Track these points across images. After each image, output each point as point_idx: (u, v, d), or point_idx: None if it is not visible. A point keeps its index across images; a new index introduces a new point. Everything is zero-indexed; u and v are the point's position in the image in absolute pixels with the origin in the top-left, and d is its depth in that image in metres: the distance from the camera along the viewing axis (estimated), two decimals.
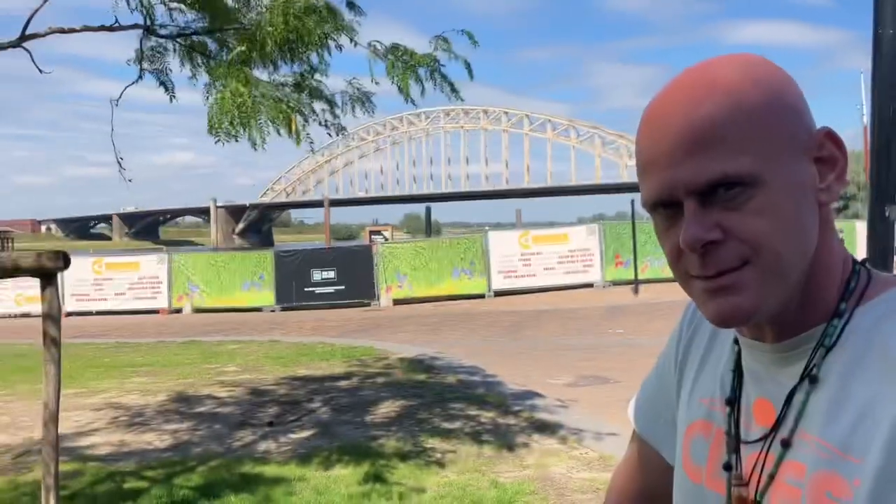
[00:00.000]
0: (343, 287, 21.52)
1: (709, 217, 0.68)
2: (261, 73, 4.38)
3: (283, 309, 21.43)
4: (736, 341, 0.80)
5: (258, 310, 21.42)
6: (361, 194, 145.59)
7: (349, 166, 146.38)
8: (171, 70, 4.81)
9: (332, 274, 21.58)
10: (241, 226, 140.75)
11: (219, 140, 3.85)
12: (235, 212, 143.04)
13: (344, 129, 4.73)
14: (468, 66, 4.30)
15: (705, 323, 0.86)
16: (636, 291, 19.36)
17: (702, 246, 0.68)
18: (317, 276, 21.60)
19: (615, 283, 21.41)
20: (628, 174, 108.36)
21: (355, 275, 21.45)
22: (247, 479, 5.37)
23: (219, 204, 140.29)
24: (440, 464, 5.53)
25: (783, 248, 0.68)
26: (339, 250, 23.51)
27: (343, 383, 8.99)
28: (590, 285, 21.40)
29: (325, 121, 4.48)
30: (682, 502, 0.85)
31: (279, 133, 4.05)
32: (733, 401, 0.79)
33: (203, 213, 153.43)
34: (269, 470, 5.57)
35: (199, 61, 4.64)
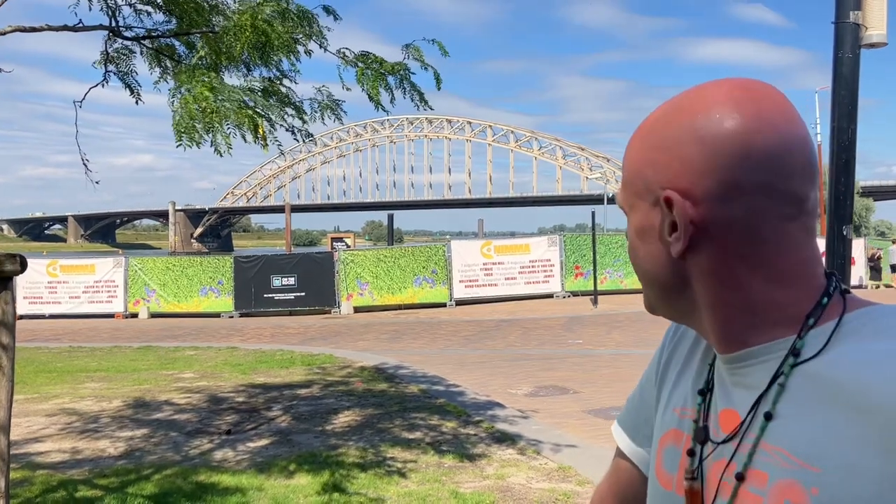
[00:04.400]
0: (303, 294, 21.39)
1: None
2: (230, 78, 4.35)
3: (242, 315, 21.23)
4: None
5: (216, 315, 21.18)
6: (323, 201, 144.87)
7: (312, 172, 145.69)
8: (136, 72, 4.75)
9: (292, 280, 21.44)
10: (199, 230, 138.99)
11: (181, 144, 3.81)
12: (194, 216, 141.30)
13: (311, 135, 4.70)
14: (437, 75, 4.32)
15: (686, 338, 0.92)
16: (595, 303, 19.55)
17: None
18: (277, 282, 21.44)
19: (575, 294, 21.63)
20: (588, 186, 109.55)
21: (316, 281, 21.34)
22: (203, 488, 5.29)
23: (178, 207, 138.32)
24: (400, 473, 5.51)
25: (636, 272, 0.84)
26: (299, 257, 23.33)
27: (303, 391, 8.91)
28: (550, 296, 21.59)
29: (293, 126, 4.45)
30: None
31: (244, 139, 4.02)
32: (705, 392, 0.83)
33: (161, 216, 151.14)
34: (226, 479, 5.49)
35: (168, 64, 4.58)
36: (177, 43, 4.83)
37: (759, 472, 0.72)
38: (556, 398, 8.46)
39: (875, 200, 60.48)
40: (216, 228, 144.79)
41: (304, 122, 4.49)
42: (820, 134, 34.12)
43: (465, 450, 6.11)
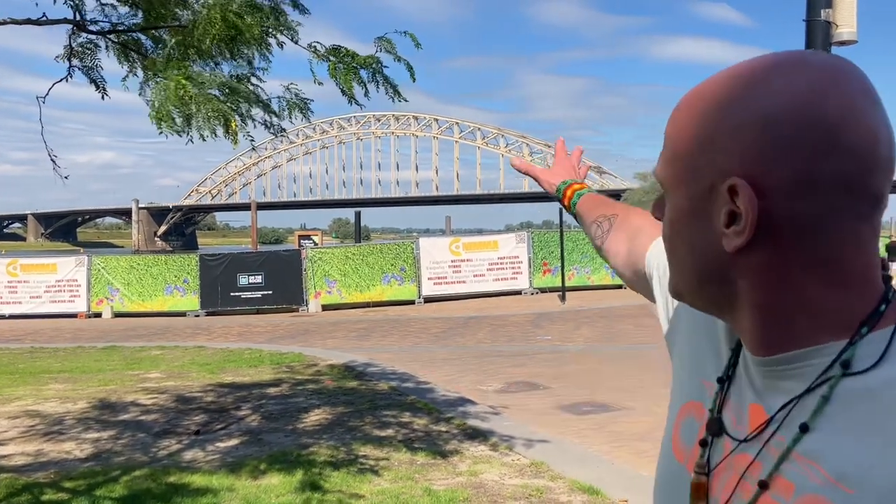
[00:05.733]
0: (270, 292, 21.21)
1: (663, 200, 0.78)
2: (199, 72, 4.27)
3: (208, 314, 20.99)
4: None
5: (182, 314, 20.92)
6: (290, 198, 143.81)
7: (278, 169, 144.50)
8: (102, 67, 4.66)
9: (259, 279, 21.24)
10: (163, 228, 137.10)
11: (162, 132, 3.75)
12: (158, 214, 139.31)
13: (283, 130, 4.65)
14: (410, 68, 4.29)
15: None
16: (563, 299, 19.67)
17: (655, 217, 0.80)
18: (243, 280, 21.24)
19: (543, 291, 21.75)
20: None
21: (283, 280, 21.17)
22: (173, 489, 5.22)
23: (141, 205, 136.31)
24: (373, 472, 5.49)
25: (669, 257, 0.78)
26: (266, 255, 23.12)
27: (272, 390, 8.84)
28: (518, 292, 21.67)
29: (265, 121, 4.39)
30: (664, 479, 0.84)
31: (214, 134, 3.96)
32: (723, 380, 0.78)
33: (124, 214, 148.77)
34: (197, 479, 5.43)
35: (134, 59, 4.49)
36: (143, 37, 4.74)
37: (786, 481, 0.67)
38: (526, 394, 8.50)
39: None
40: (180, 226, 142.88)
41: (277, 116, 4.44)
42: None
43: (438, 447, 6.11)
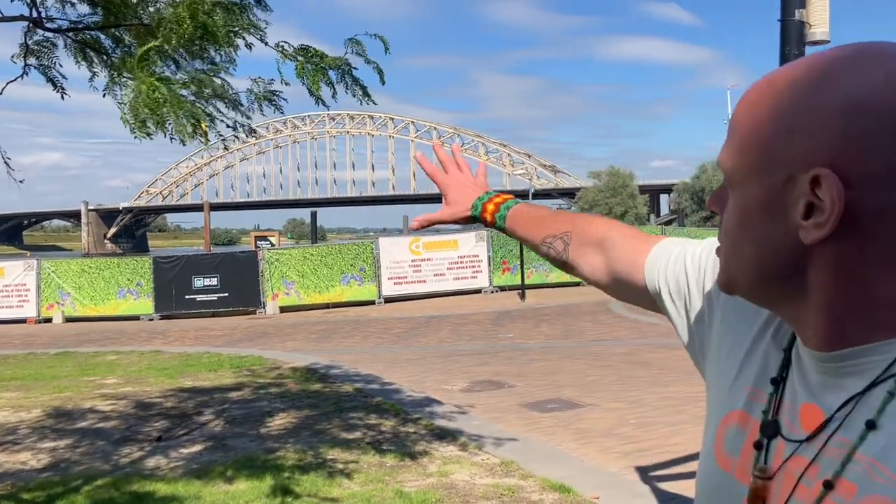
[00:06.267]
0: (227, 294, 20.93)
1: (723, 192, 0.75)
2: (162, 72, 4.17)
3: (163, 317, 20.62)
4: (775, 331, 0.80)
5: (136, 318, 20.52)
6: (243, 198, 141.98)
7: (230, 169, 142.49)
8: (62, 66, 4.51)
9: (214, 281, 20.95)
10: (113, 230, 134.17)
11: (136, 136, 3.65)
12: (108, 216, 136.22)
13: (254, 131, 4.58)
14: (380, 71, 4.25)
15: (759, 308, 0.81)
16: (523, 297, 19.78)
17: (710, 210, 0.78)
18: (199, 282, 20.92)
19: (502, 289, 21.86)
20: (511, 182, 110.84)
21: (240, 281, 20.91)
22: (137, 498, 5.10)
23: (90, 207, 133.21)
24: (343, 474, 5.43)
25: (728, 250, 0.74)
26: (222, 256, 22.81)
27: (234, 394, 8.71)
28: (478, 291, 21.75)
29: (235, 122, 4.31)
30: (708, 489, 0.82)
31: (186, 136, 3.86)
32: (778, 381, 0.76)
33: (73, 216, 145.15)
34: (162, 487, 5.31)
35: (94, 58, 4.36)
36: (103, 36, 4.62)
37: (848, 482, 0.65)
38: (491, 393, 8.52)
39: None
40: (131, 228, 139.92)
41: (248, 116, 4.36)
42: None
43: (406, 448, 6.09)
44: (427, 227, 1.40)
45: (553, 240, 1.17)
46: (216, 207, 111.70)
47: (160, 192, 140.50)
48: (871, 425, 0.65)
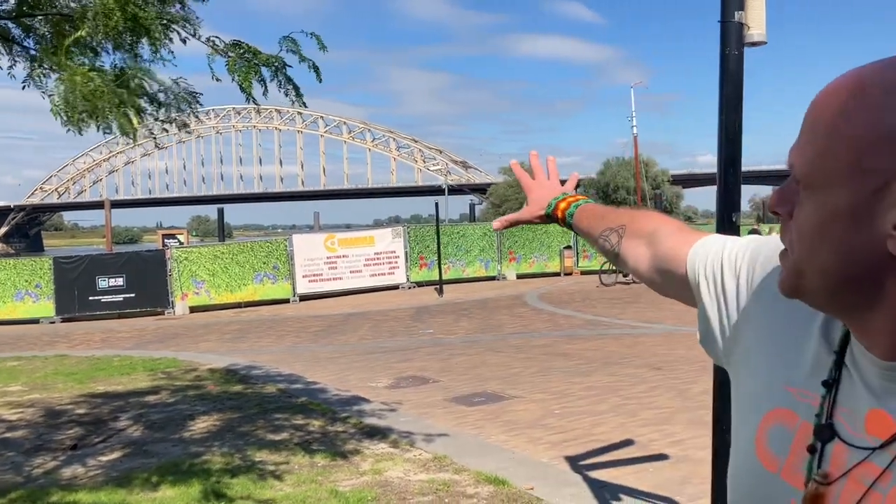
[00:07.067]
0: (133, 295, 20.25)
1: (790, 194, 0.72)
2: (82, 63, 3.97)
3: (65, 320, 19.76)
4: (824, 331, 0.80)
5: (35, 321, 19.59)
6: (144, 195, 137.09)
7: (131, 165, 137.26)
8: None
9: (120, 281, 20.22)
10: (4, 229, 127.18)
11: (69, 130, 3.46)
12: None
13: (187, 125, 4.43)
14: (317, 69, 4.17)
15: (796, 302, 0.78)
16: (440, 292, 19.88)
17: (773, 212, 0.74)
18: (103, 283, 20.15)
19: (420, 285, 21.91)
20: (423, 178, 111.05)
21: (146, 281, 20.26)
22: None
23: None
24: (274, 476, 5.33)
25: (803, 256, 0.71)
26: (127, 255, 22.00)
27: (151, 398, 8.41)
28: (396, 287, 21.73)
29: (169, 117, 4.15)
30: (751, 489, 0.82)
31: (109, 130, 3.70)
32: (830, 384, 0.75)
33: None
34: (83, 497, 5.08)
35: (8, 48, 4.11)
36: (12, 25, 4.37)
37: None
38: (417, 389, 8.53)
39: (683, 188, 65.61)
40: (23, 227, 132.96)
41: (178, 109, 4.21)
42: (636, 127, 36.86)
43: (337, 447, 6.03)
44: (509, 226, 1.47)
45: (609, 233, 1.19)
46: (117, 205, 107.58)
47: (56, 190, 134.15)
48: None
